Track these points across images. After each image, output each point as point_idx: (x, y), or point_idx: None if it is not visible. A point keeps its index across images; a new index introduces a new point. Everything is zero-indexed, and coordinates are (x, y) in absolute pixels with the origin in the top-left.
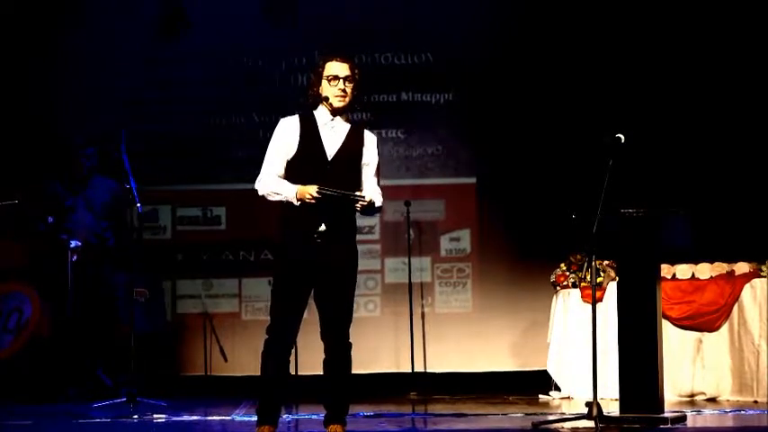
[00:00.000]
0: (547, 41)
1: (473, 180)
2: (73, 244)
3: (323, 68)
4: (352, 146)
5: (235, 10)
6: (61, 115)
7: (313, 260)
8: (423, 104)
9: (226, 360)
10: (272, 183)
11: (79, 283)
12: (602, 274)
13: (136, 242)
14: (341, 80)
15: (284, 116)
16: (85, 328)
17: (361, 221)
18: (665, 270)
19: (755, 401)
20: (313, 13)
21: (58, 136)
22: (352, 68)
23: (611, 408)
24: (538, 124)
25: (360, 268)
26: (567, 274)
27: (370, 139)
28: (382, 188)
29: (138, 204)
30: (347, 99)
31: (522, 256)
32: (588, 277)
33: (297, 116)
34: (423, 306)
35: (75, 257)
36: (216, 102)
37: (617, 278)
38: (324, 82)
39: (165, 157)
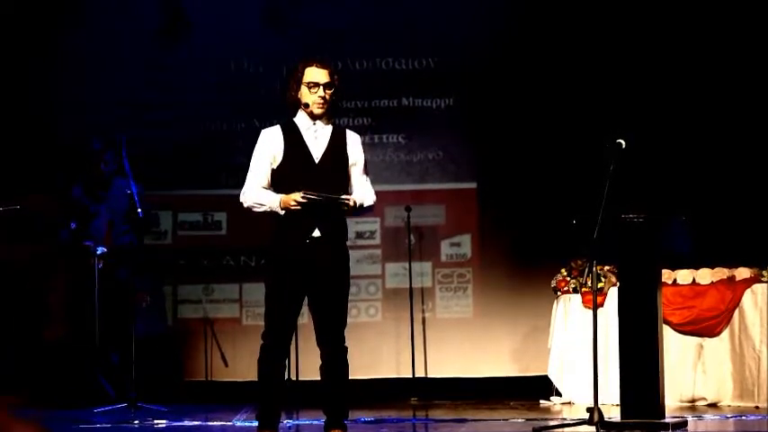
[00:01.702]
0: (548, 47)
1: (474, 185)
2: (99, 251)
3: (302, 74)
4: (338, 148)
5: (235, 15)
6: (62, 120)
7: (304, 266)
8: (423, 109)
9: (226, 365)
10: (256, 194)
11: (103, 288)
12: (602, 280)
13: (137, 247)
14: (321, 87)
15: (274, 125)
16: (108, 333)
17: (362, 227)
18: (666, 275)
19: (756, 407)
20: (313, 18)
21: (75, 142)
22: (331, 74)
23: (613, 413)
24: (539, 129)
25: (360, 273)
26: (568, 279)
27: (353, 139)
28: (383, 193)
29: (139, 210)
30: (327, 106)
31: (523, 262)
32: (589, 282)
33: (278, 126)
34: (423, 311)
35: (101, 264)
36: (217, 107)
37: (618, 283)
38: (303, 88)
39: (166, 161)
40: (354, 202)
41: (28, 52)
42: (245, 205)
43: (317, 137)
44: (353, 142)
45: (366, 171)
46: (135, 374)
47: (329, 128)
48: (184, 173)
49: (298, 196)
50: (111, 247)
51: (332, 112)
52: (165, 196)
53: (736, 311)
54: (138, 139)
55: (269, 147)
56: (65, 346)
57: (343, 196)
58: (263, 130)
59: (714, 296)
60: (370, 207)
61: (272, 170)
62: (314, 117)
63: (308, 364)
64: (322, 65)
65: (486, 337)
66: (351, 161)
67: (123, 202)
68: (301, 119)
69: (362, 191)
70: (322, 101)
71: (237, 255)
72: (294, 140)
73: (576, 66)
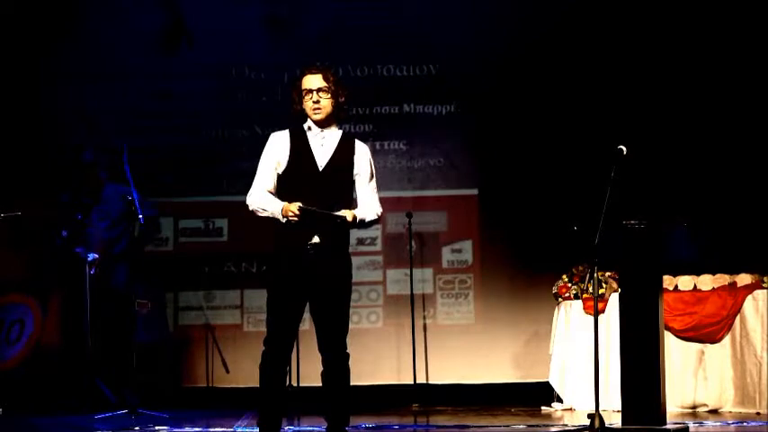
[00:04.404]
0: (549, 53)
1: (475, 191)
2: (90, 257)
3: (300, 83)
4: (343, 157)
5: (237, 23)
6: (62, 126)
7: (306, 272)
8: (425, 116)
9: (228, 371)
10: (261, 199)
11: (97, 294)
12: (604, 286)
13: (138, 253)
14: (314, 92)
15: (284, 129)
16: (104, 338)
17: (363, 233)
18: (668, 281)
19: (758, 413)
20: (314, 25)
21: (67, 150)
22: (325, 78)
23: (614, 419)
24: (540, 136)
25: (362, 279)
26: (569, 285)
27: (360, 149)
28: (385, 200)
29: (140, 216)
30: (323, 110)
31: (524, 268)
32: (590, 289)
33: (287, 130)
34: (425, 317)
35: (93, 270)
36: (218, 114)
37: (619, 290)
38: (302, 97)
39: (168, 169)
40: (355, 218)
41: (28, 59)
42: (251, 208)
43: (323, 144)
44: (361, 152)
45: (373, 183)
46: (136, 381)
47: (337, 136)
48: (185, 179)
49: (295, 208)
50: (107, 253)
51: (337, 118)
52: (165, 203)
53: (738, 318)
54: (139, 145)
55: (275, 151)
56: (61, 353)
57: (340, 213)
58: (271, 134)
59: (715, 302)
60: (373, 221)
61: (278, 175)
62: (317, 124)
63: (309, 371)
64: (315, 71)
65: (488, 344)
66: (355, 171)
67: (117, 207)
68: (309, 126)
69: (366, 204)
70: (317, 106)
71: (239, 261)
72: (300, 146)
73: (578, 72)
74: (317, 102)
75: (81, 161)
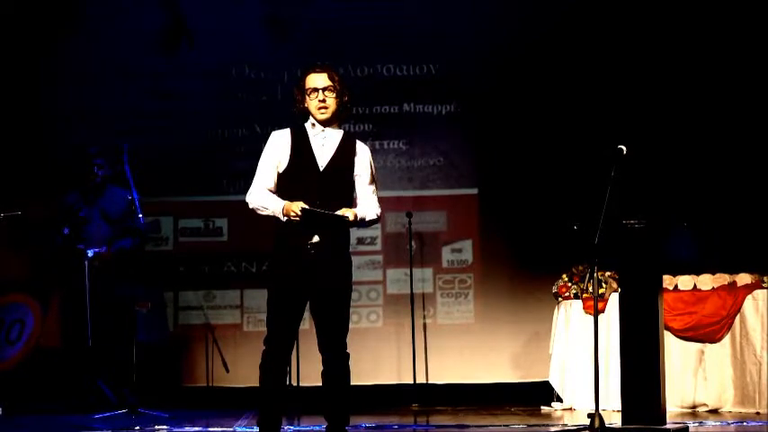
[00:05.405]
0: (549, 53)
1: (475, 191)
2: (90, 253)
3: (303, 82)
4: (344, 157)
5: (237, 22)
6: (63, 127)
7: (306, 272)
8: (424, 116)
9: (227, 371)
10: (261, 197)
11: (97, 292)
12: (604, 286)
13: (136, 253)
14: (320, 91)
15: (285, 128)
16: (104, 338)
17: (363, 233)
18: (667, 281)
19: (758, 413)
20: (314, 25)
21: (71, 147)
22: (330, 77)
23: (614, 419)
24: (540, 135)
25: (362, 279)
26: (569, 285)
27: (361, 149)
28: (385, 199)
29: (140, 216)
30: (329, 109)
31: (524, 267)
32: (590, 288)
33: (288, 129)
34: (424, 317)
35: (96, 263)
36: (218, 113)
37: (619, 289)
38: (306, 96)
39: (168, 168)
40: (355, 216)
41: (29, 60)
42: (251, 206)
43: (324, 144)
44: (361, 153)
45: (373, 184)
46: (136, 380)
47: (338, 136)
48: (185, 179)
49: (297, 208)
50: (107, 252)
51: (339, 118)
52: (165, 202)
53: (737, 317)
54: (139, 145)
55: (276, 149)
56: (61, 353)
57: (342, 213)
58: (273, 132)
59: (715, 302)
60: (373, 221)
61: (278, 174)
62: (321, 123)
63: (309, 371)
64: (320, 70)
65: (488, 343)
66: (356, 171)
67: (117, 209)
68: (310, 125)
69: (366, 204)
70: (322, 105)
71: (239, 261)
72: (301, 146)
73: (578, 72)
74: (323, 101)
75: (87, 153)
